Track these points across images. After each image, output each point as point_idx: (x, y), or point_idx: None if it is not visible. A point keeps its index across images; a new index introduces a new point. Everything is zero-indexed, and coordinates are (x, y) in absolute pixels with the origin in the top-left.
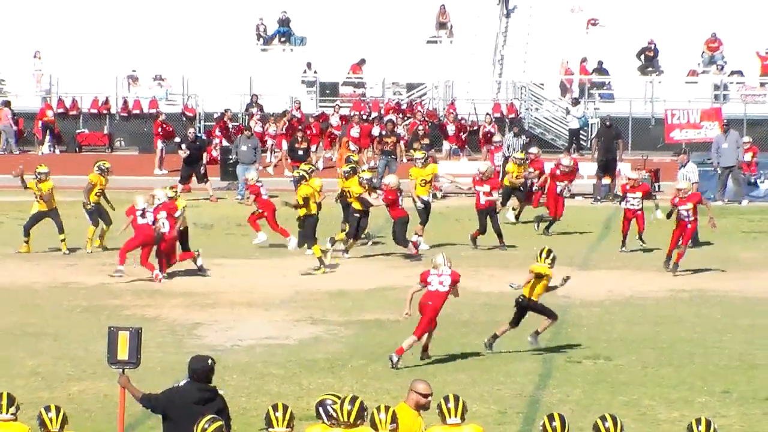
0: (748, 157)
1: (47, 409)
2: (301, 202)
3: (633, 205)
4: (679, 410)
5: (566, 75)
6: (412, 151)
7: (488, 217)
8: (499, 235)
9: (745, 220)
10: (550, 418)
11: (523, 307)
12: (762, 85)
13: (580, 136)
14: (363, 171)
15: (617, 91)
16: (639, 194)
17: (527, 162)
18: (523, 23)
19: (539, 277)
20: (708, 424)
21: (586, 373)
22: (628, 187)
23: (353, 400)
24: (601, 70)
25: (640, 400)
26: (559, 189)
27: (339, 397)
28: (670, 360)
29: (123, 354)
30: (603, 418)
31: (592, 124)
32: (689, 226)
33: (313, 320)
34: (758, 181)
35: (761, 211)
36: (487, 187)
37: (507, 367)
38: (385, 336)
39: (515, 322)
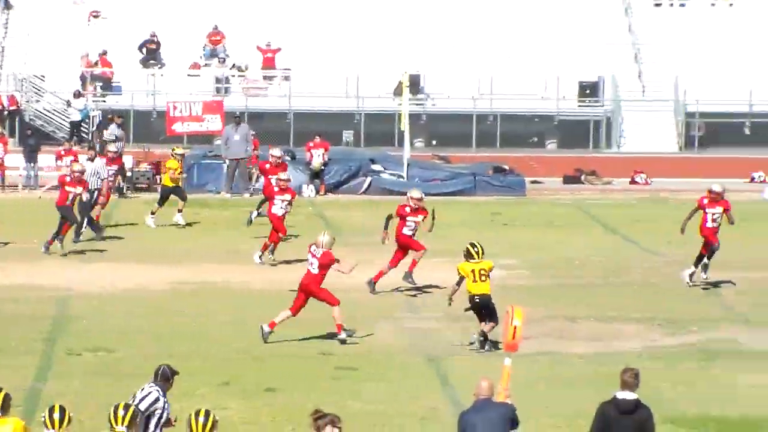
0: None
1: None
2: None
3: (412, 230)
4: (179, 402)
5: (87, 67)
6: None
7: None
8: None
9: (244, 212)
10: (51, 410)
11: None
12: (265, 78)
13: (82, 128)
14: None
15: (121, 83)
16: (421, 217)
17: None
18: (25, 15)
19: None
20: (206, 414)
21: (86, 365)
22: (408, 210)
23: None
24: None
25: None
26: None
27: None
28: (172, 352)
29: None
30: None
31: (93, 117)
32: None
33: None
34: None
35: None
36: (79, 188)
37: (5, 360)
38: None
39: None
